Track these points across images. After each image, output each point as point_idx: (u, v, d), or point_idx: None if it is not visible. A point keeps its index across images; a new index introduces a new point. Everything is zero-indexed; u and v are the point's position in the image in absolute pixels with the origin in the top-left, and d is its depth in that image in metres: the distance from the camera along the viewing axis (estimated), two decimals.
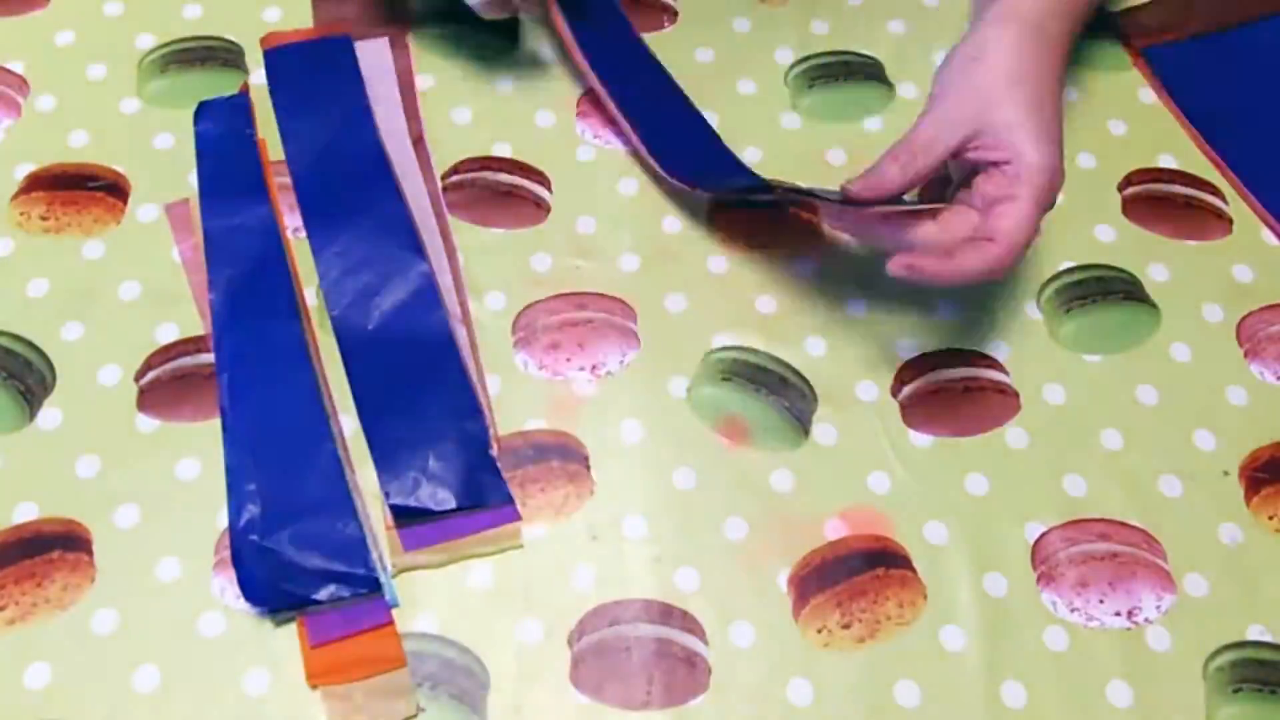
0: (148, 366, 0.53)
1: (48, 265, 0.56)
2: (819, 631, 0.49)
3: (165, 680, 0.46)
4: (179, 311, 0.55)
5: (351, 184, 0.58)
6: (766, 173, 0.60)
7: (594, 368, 0.54)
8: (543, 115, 0.62)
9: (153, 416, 0.52)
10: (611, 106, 0.60)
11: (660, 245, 0.58)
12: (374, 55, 0.63)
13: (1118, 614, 0.49)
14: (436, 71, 0.63)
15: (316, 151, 0.59)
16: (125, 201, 0.58)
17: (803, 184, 0.52)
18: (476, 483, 0.51)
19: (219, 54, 0.63)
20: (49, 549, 0.49)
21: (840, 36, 0.65)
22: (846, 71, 0.64)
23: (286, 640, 0.47)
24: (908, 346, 0.56)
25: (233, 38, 0.63)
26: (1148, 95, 0.64)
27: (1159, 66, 0.65)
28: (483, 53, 0.64)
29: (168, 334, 0.54)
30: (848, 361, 0.55)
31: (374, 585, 0.48)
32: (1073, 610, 0.49)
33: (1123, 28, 0.66)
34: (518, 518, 0.50)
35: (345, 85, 0.61)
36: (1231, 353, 0.56)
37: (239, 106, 0.61)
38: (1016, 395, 0.54)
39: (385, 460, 0.51)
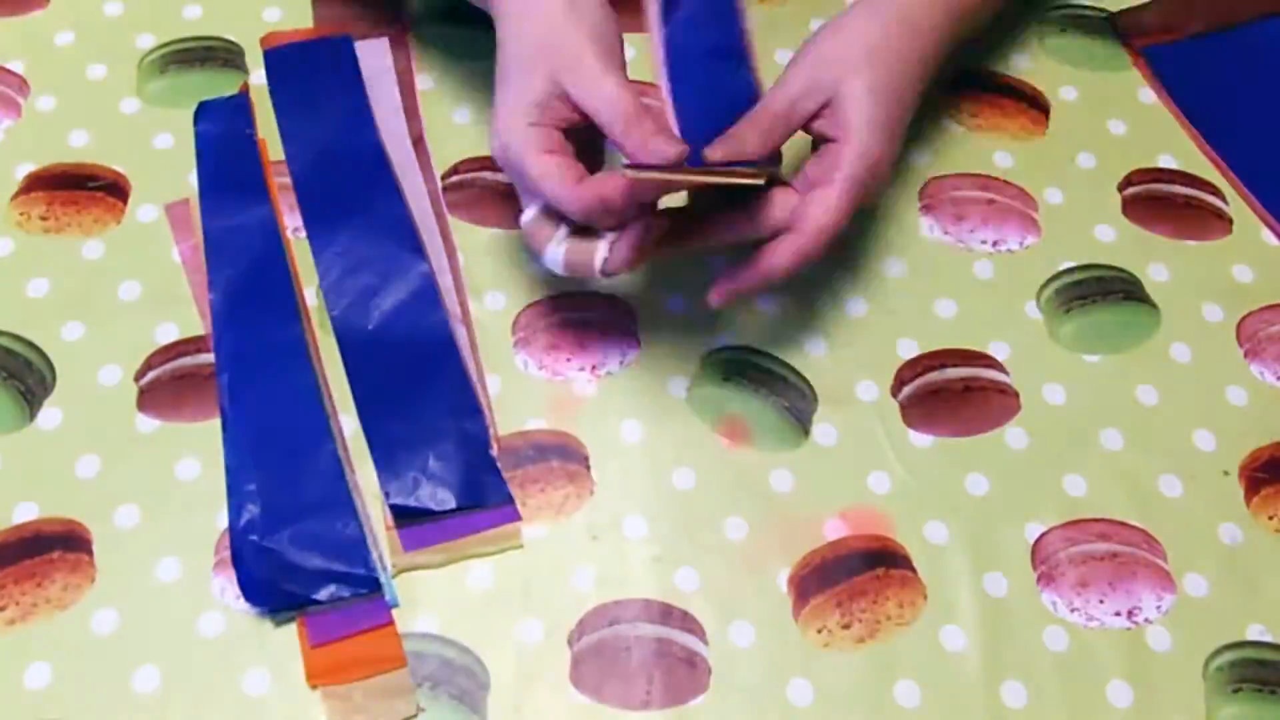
0: (148, 366, 0.53)
1: (48, 265, 0.56)
2: (819, 631, 0.49)
3: (165, 680, 0.46)
4: (179, 311, 0.55)
5: (351, 184, 0.58)
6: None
7: (594, 368, 0.54)
8: None
9: (153, 416, 0.52)
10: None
11: None
12: (374, 55, 0.63)
13: (1118, 614, 0.49)
14: (436, 71, 0.63)
15: (316, 151, 0.59)
16: (125, 201, 0.58)
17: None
18: (476, 483, 0.51)
19: (219, 54, 0.63)
20: (49, 549, 0.49)
21: None
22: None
23: (286, 640, 0.47)
24: (908, 346, 0.56)
25: (233, 38, 0.63)
26: (1148, 95, 0.64)
27: (1159, 66, 0.65)
28: (483, 53, 0.64)
29: (168, 334, 0.54)
30: (848, 361, 0.55)
31: (374, 585, 0.48)
32: (1073, 610, 0.49)
33: (1123, 28, 0.66)
34: (518, 518, 0.50)
35: (345, 85, 0.61)
36: (1231, 353, 0.56)
37: (239, 106, 0.61)
38: (1016, 395, 0.54)
39: (385, 460, 0.51)
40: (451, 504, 0.50)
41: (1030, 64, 0.65)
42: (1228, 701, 0.48)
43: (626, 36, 0.64)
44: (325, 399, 0.52)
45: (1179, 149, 0.62)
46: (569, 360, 0.54)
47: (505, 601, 0.49)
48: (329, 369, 0.53)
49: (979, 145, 0.62)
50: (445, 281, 0.56)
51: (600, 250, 0.47)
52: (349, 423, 0.52)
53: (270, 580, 0.47)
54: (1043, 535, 0.51)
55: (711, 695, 0.47)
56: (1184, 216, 0.60)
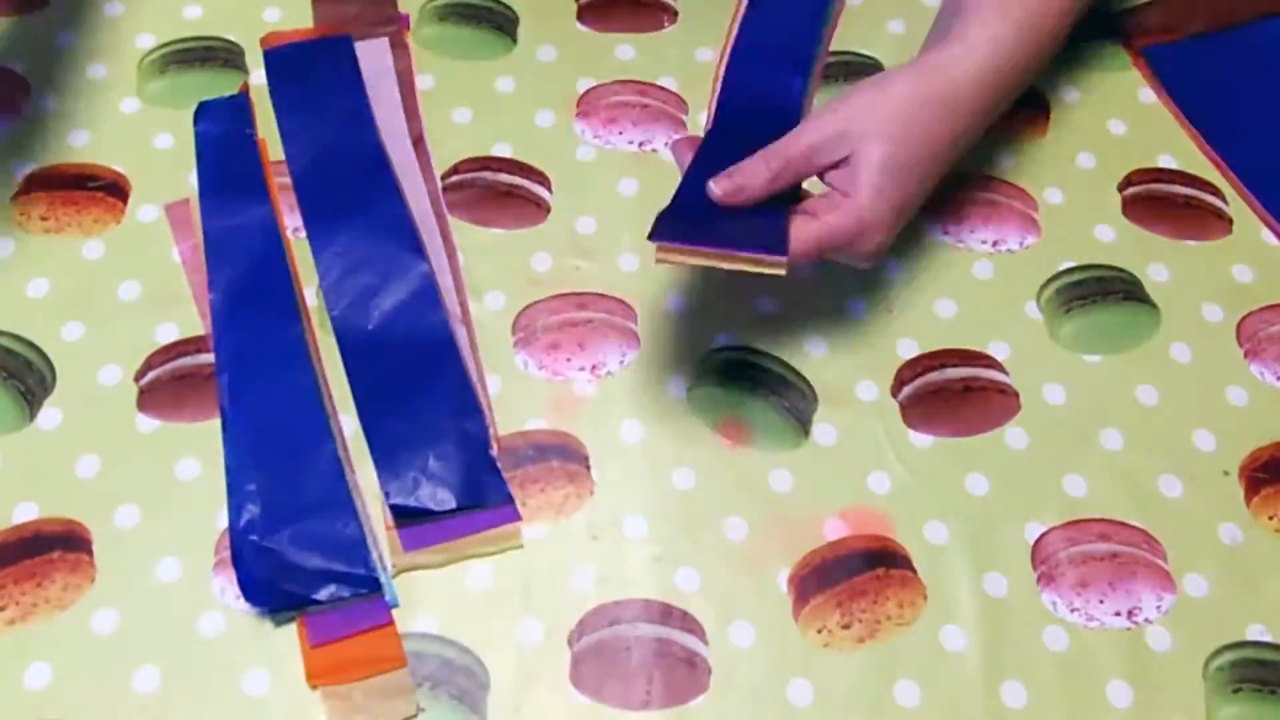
0: (148, 366, 0.53)
1: (48, 265, 0.56)
2: (819, 631, 0.49)
3: (165, 680, 0.46)
4: (179, 311, 0.55)
5: (351, 184, 0.58)
6: None
7: (594, 368, 0.54)
8: (543, 115, 0.62)
9: (153, 416, 0.52)
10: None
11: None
12: (374, 55, 0.63)
13: (1118, 614, 0.49)
14: (436, 71, 0.63)
15: (316, 151, 0.59)
16: (125, 201, 0.58)
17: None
18: (476, 483, 0.51)
19: (219, 54, 0.63)
20: (49, 549, 0.49)
21: (840, 36, 0.65)
22: (846, 72, 0.64)
23: (286, 640, 0.47)
24: (908, 346, 0.56)
25: (233, 38, 0.63)
26: (1148, 95, 0.64)
27: (1159, 66, 0.65)
28: (483, 53, 0.64)
29: (168, 334, 0.54)
30: (848, 361, 0.55)
31: (374, 585, 0.48)
32: (1073, 610, 0.49)
33: (1123, 28, 0.66)
34: (518, 518, 0.50)
35: (345, 85, 0.61)
36: (1231, 353, 0.56)
37: (239, 106, 0.61)
38: (1016, 395, 0.54)
39: (385, 460, 0.51)
40: (451, 504, 0.50)
41: None
42: (1228, 701, 0.48)
43: (626, 37, 0.65)
44: (325, 399, 0.52)
45: (1179, 149, 0.62)
46: (569, 360, 0.54)
47: (505, 601, 0.49)
48: (329, 369, 0.53)
49: (979, 145, 0.62)
50: (445, 281, 0.56)
51: None
52: (349, 423, 0.52)
53: (270, 580, 0.47)
54: (1043, 535, 0.51)
55: (711, 695, 0.47)
56: (1184, 216, 0.60)
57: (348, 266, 0.56)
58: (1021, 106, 0.63)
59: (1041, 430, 0.54)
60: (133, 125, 0.60)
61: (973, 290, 0.57)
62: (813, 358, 0.55)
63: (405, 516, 0.50)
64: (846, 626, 0.49)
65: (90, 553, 0.49)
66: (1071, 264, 0.58)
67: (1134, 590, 0.50)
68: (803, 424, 0.53)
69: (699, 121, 0.62)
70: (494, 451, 0.52)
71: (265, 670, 0.47)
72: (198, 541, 0.49)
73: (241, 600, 0.47)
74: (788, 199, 0.49)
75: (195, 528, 0.49)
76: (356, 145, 0.59)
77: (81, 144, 0.60)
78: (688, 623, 0.48)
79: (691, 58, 0.64)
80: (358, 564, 0.48)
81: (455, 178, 0.59)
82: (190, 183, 0.58)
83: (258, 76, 0.62)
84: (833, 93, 0.63)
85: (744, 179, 0.48)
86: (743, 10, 0.63)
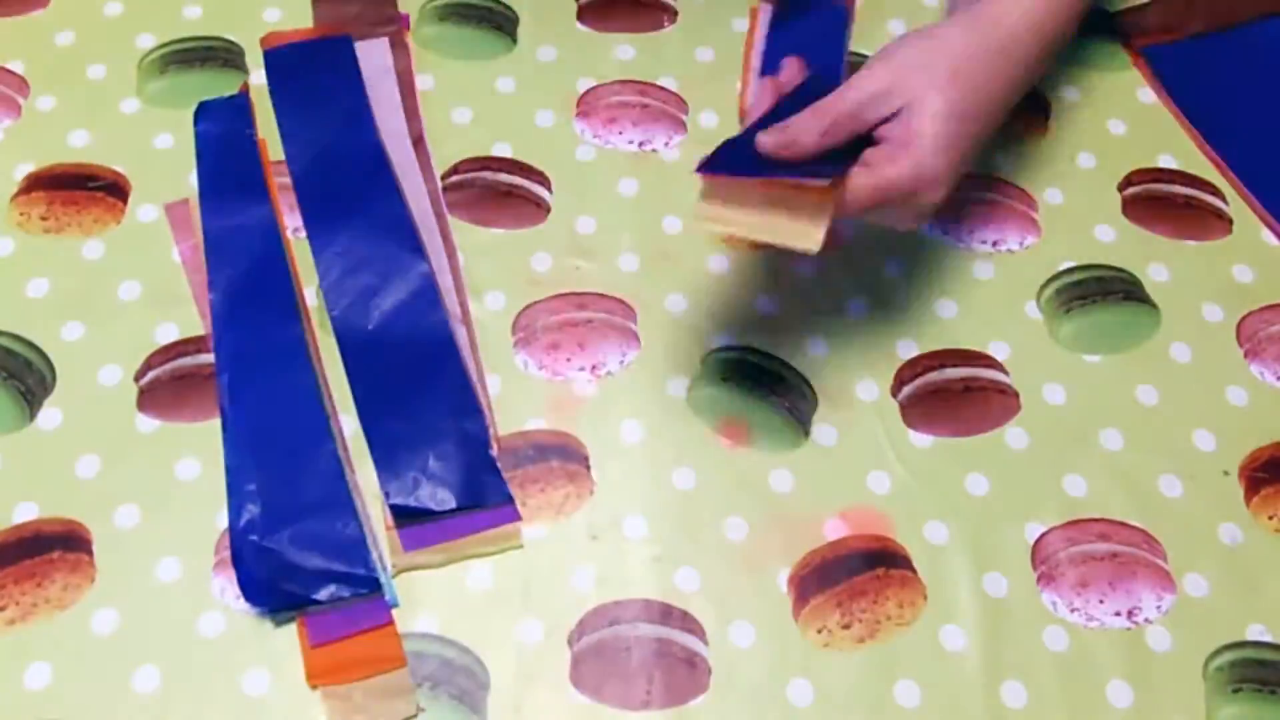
0: (148, 366, 0.53)
1: (48, 265, 0.56)
2: (819, 631, 0.49)
3: (165, 680, 0.46)
4: (179, 311, 0.55)
5: (351, 184, 0.58)
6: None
7: (594, 368, 0.54)
8: (543, 115, 0.62)
9: (153, 416, 0.52)
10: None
11: (660, 245, 0.58)
12: (374, 55, 0.63)
13: (1118, 614, 0.49)
14: (436, 71, 0.63)
15: (316, 151, 0.59)
16: (125, 201, 0.58)
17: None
18: (476, 483, 0.51)
19: (219, 54, 0.63)
20: (49, 549, 0.49)
21: None
22: (846, 71, 0.64)
23: (286, 640, 0.47)
24: (908, 346, 0.56)
25: (233, 38, 0.63)
26: (1148, 95, 0.64)
27: (1159, 66, 0.65)
28: (483, 53, 0.64)
29: (168, 334, 0.54)
30: (848, 361, 0.55)
31: (374, 585, 0.48)
32: (1073, 610, 0.49)
33: (1123, 28, 0.66)
34: (518, 518, 0.50)
35: (345, 85, 0.61)
36: (1231, 353, 0.56)
37: (239, 106, 0.61)
38: (1016, 395, 0.54)
39: (385, 460, 0.51)
40: (451, 504, 0.50)
41: None
42: (1228, 701, 0.48)
43: (626, 37, 0.65)
44: (325, 399, 0.52)
45: (1179, 149, 0.62)
46: (569, 360, 0.54)
47: (505, 601, 0.49)
48: (329, 369, 0.53)
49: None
50: (445, 281, 0.56)
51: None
52: (349, 423, 0.52)
53: (270, 580, 0.47)
54: (1043, 535, 0.51)
55: (711, 695, 0.47)
56: (1184, 216, 0.60)
57: (348, 266, 0.56)
58: (1021, 107, 0.63)
59: (1041, 430, 0.53)
60: (133, 125, 0.60)
61: (973, 290, 0.57)
62: (813, 358, 0.55)
63: (405, 516, 0.50)
64: (846, 626, 0.49)
65: (90, 553, 0.49)
66: (1071, 264, 0.58)
67: (1134, 590, 0.50)
68: (803, 424, 0.53)
69: (699, 121, 0.62)
70: (494, 451, 0.52)
71: (265, 670, 0.47)
72: (198, 541, 0.49)
73: (241, 600, 0.47)
74: (843, 160, 0.47)
75: (195, 528, 0.49)
76: (356, 145, 0.59)
77: (81, 144, 0.60)
78: (688, 623, 0.48)
79: (691, 58, 0.64)
80: (358, 564, 0.48)
81: (455, 178, 0.59)
82: (190, 183, 0.58)
83: (258, 76, 0.62)
84: None
85: (795, 133, 0.46)
86: (760, 39, 0.63)
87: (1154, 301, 0.57)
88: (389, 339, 0.54)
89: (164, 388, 0.53)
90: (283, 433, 0.51)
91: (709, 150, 0.47)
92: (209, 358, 0.53)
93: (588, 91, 0.62)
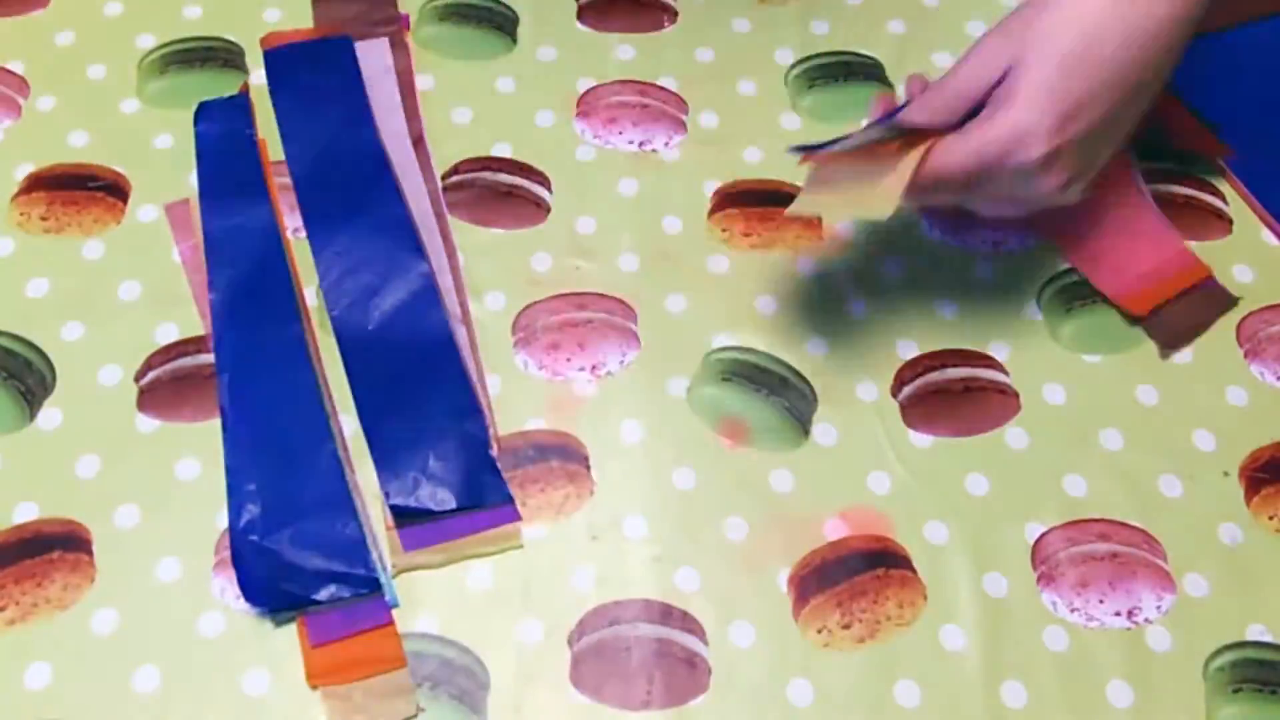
0: (148, 366, 0.53)
1: (48, 265, 0.56)
2: (819, 632, 0.48)
3: (165, 680, 0.46)
4: (179, 311, 0.55)
5: (351, 184, 0.58)
6: (766, 173, 0.60)
7: (594, 368, 0.54)
8: (543, 115, 0.62)
9: (153, 416, 0.52)
10: None
11: (660, 245, 0.58)
12: (374, 55, 0.63)
13: (1118, 614, 0.49)
14: (436, 71, 0.63)
15: (316, 151, 0.59)
16: (125, 202, 0.58)
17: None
18: (476, 483, 0.51)
19: (219, 54, 0.63)
20: (49, 549, 0.49)
21: (840, 37, 0.65)
22: (846, 72, 0.64)
23: (286, 640, 0.47)
24: (908, 346, 0.56)
25: (233, 38, 0.63)
26: None
27: None
28: (483, 53, 0.64)
29: (168, 334, 0.54)
30: (848, 361, 0.55)
31: (374, 585, 0.48)
32: (1073, 610, 0.49)
33: None
34: (518, 518, 0.50)
35: (345, 85, 0.61)
36: (1231, 353, 0.56)
37: (239, 107, 0.61)
38: (1017, 395, 0.54)
39: (385, 460, 0.51)
40: (451, 504, 0.50)
41: None
42: (1228, 702, 0.48)
43: (626, 37, 0.65)
44: (325, 399, 0.52)
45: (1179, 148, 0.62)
46: (569, 360, 0.54)
47: (505, 601, 0.49)
48: (329, 369, 0.53)
49: None
50: (445, 281, 0.56)
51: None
52: (349, 423, 0.52)
53: (270, 580, 0.47)
54: (1043, 535, 0.51)
55: (711, 695, 0.47)
56: (1184, 216, 0.60)
57: (348, 266, 0.56)
58: None
59: (1042, 430, 0.53)
60: (133, 125, 0.60)
61: (973, 290, 0.57)
62: (813, 358, 0.55)
63: (405, 516, 0.50)
64: (846, 626, 0.49)
65: (90, 553, 0.49)
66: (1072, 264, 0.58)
67: (1134, 590, 0.50)
68: (803, 424, 0.53)
69: (699, 121, 0.62)
70: (494, 451, 0.52)
71: (265, 670, 0.47)
72: (198, 541, 0.49)
73: (241, 600, 0.47)
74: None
75: (195, 528, 0.49)
76: (356, 145, 0.59)
77: (81, 144, 0.60)
78: (688, 623, 0.48)
79: (691, 58, 0.64)
80: (358, 564, 0.48)
81: (455, 178, 0.59)
82: (190, 183, 0.58)
83: (258, 76, 0.62)
84: (834, 93, 0.63)
85: (905, 115, 0.45)
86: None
87: None
88: (389, 339, 0.54)
89: (164, 388, 0.53)
90: (283, 433, 0.51)
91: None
92: (209, 358, 0.53)
93: (588, 91, 0.62)
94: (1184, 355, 0.56)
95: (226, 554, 0.48)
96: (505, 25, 0.65)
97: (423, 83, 0.62)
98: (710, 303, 0.56)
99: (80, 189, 0.58)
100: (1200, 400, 0.55)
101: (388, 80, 0.62)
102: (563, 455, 0.52)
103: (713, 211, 0.59)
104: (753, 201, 0.59)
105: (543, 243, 0.58)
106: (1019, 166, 0.44)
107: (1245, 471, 0.53)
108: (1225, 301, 0.56)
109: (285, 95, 0.61)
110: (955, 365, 0.55)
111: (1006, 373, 0.55)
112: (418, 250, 0.56)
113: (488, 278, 0.56)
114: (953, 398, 0.54)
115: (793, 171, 0.60)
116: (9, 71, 0.62)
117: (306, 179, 0.58)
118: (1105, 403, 0.54)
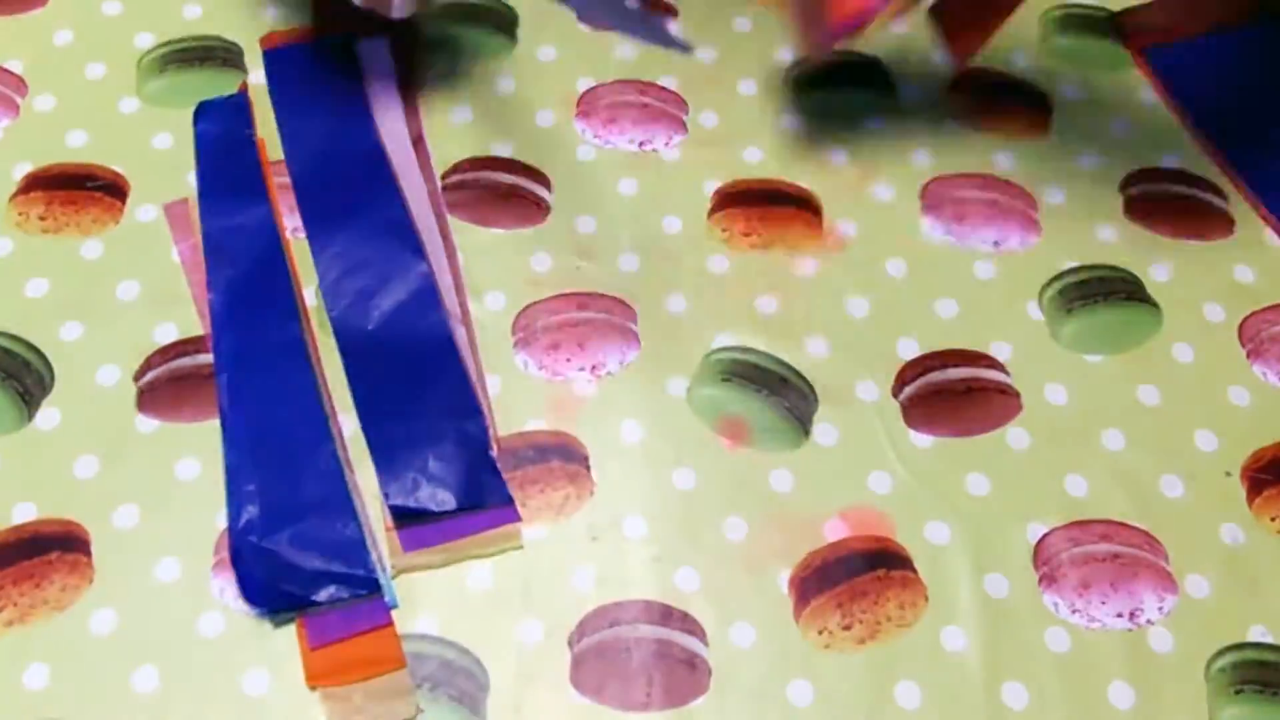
0: (147, 366, 0.53)
1: (46, 265, 0.56)
2: (820, 633, 0.48)
3: (164, 680, 0.46)
4: (178, 311, 0.55)
5: (351, 184, 0.58)
6: (766, 173, 0.60)
7: (594, 368, 0.54)
8: (543, 115, 0.62)
9: (152, 416, 0.52)
10: None
11: (660, 245, 0.58)
12: (374, 55, 0.63)
13: (1119, 615, 0.49)
14: (436, 71, 0.63)
15: (316, 151, 0.59)
16: (124, 201, 0.58)
17: None
18: (476, 483, 0.50)
19: (218, 54, 0.63)
20: (47, 550, 0.49)
21: None
22: (847, 71, 0.64)
23: (286, 641, 0.47)
24: (908, 346, 0.55)
25: (232, 38, 0.63)
26: (1148, 95, 0.64)
27: (1159, 66, 0.65)
28: (483, 53, 0.64)
29: (167, 334, 0.54)
30: (848, 361, 0.55)
31: (373, 586, 0.48)
32: (1074, 611, 0.49)
33: (1123, 28, 0.66)
34: (518, 518, 0.50)
35: (345, 85, 0.61)
36: (1234, 353, 0.56)
37: (238, 106, 0.60)
38: (1018, 395, 0.54)
39: (385, 461, 0.51)
40: (451, 505, 0.50)
41: (1031, 63, 0.65)
42: (1230, 703, 0.48)
43: (625, 37, 0.65)
44: (325, 399, 0.52)
45: (1180, 149, 0.62)
46: (569, 360, 0.54)
47: (505, 602, 0.49)
48: (329, 369, 0.53)
49: (979, 145, 0.62)
50: (445, 281, 0.56)
51: None
52: (349, 423, 0.52)
53: (269, 581, 0.47)
54: (1044, 536, 0.51)
55: (712, 696, 0.47)
56: (1186, 216, 0.60)
57: (347, 267, 0.55)
58: (1022, 107, 0.63)
59: (1043, 431, 0.53)
60: (132, 125, 0.60)
61: (974, 290, 0.57)
62: (813, 358, 0.55)
63: (405, 517, 0.50)
64: (847, 627, 0.49)
65: (89, 553, 0.49)
66: (1073, 264, 0.58)
67: (1135, 591, 0.50)
68: (803, 424, 0.53)
69: (699, 121, 0.62)
70: (494, 452, 0.52)
71: (265, 670, 0.47)
72: (197, 542, 0.49)
73: (241, 601, 0.47)
74: None
75: (195, 528, 0.49)
76: (356, 145, 0.59)
77: (80, 144, 0.59)
78: (688, 623, 0.48)
79: (691, 57, 0.64)
80: (357, 565, 0.48)
81: (455, 178, 0.59)
82: (189, 183, 0.58)
83: (257, 76, 0.62)
84: (832, 92, 0.63)
85: None
86: None
87: (1156, 302, 0.57)
88: (389, 339, 0.54)
89: (163, 388, 0.53)
90: (282, 433, 0.51)
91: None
92: (208, 358, 0.53)
93: (588, 91, 0.62)
94: (1185, 355, 0.56)
95: (226, 554, 0.48)
96: (505, 25, 0.65)
97: (423, 83, 0.62)
98: (710, 303, 0.56)
99: (79, 189, 0.58)
100: (1202, 401, 0.55)
101: (388, 80, 0.62)
102: (563, 455, 0.52)
103: (713, 211, 0.59)
104: (753, 201, 0.59)
105: (543, 243, 0.58)
106: None
107: (1247, 472, 0.53)
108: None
109: (285, 95, 0.61)
110: (956, 365, 0.55)
111: (1008, 373, 0.55)
112: (417, 250, 0.56)
113: (487, 278, 0.56)
114: (954, 398, 0.54)
115: (792, 171, 0.60)
116: (7, 70, 0.62)
117: (306, 179, 0.58)
118: (1107, 403, 0.54)
